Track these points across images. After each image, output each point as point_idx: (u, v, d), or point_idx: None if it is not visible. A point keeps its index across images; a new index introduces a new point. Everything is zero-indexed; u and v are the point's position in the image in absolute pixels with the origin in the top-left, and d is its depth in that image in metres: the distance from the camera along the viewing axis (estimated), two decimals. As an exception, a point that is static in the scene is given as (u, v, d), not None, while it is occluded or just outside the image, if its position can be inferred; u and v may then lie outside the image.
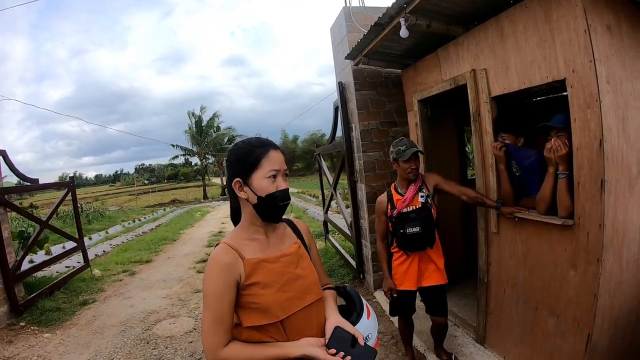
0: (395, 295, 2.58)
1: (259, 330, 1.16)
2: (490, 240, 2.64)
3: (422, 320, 3.03)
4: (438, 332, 2.74)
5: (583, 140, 1.85)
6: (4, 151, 4.72)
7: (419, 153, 2.49)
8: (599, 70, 1.73)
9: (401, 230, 2.46)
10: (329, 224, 6.75)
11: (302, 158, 43.49)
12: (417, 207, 2.46)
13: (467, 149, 5.64)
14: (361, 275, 4.64)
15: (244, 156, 1.19)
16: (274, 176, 1.18)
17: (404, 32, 2.56)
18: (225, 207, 20.90)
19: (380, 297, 4.10)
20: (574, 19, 1.78)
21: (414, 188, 2.49)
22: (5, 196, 4.67)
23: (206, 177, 38.61)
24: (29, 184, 5.33)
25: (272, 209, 1.20)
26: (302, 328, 1.19)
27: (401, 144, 2.50)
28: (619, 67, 1.86)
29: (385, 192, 2.62)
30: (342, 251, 5.67)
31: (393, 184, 2.64)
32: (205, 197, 33.38)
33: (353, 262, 4.89)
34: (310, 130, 42.57)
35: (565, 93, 1.92)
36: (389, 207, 2.54)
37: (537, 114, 2.88)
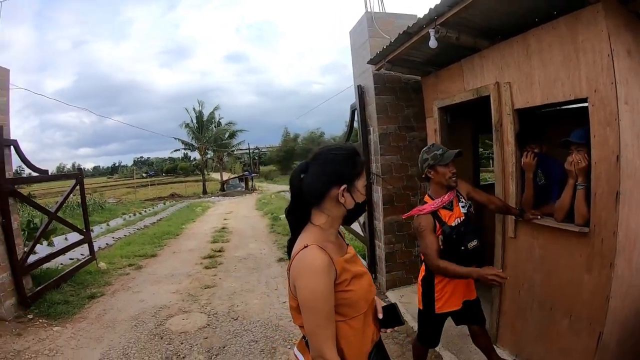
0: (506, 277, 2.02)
1: (344, 323, 1.23)
2: (507, 244, 2.78)
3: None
4: (486, 342, 2.43)
5: (602, 155, 2.00)
6: (15, 141, 4.56)
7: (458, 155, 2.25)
8: (619, 92, 1.89)
9: (462, 248, 2.20)
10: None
11: (301, 156, 43.53)
12: (462, 218, 2.25)
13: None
14: (374, 276, 4.75)
15: (352, 164, 1.26)
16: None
17: (432, 43, 2.67)
18: (226, 203, 20.72)
19: (392, 297, 4.24)
20: (599, 42, 1.93)
21: (455, 198, 2.29)
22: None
23: (205, 172, 38.64)
24: (37, 174, 5.21)
25: (358, 215, 1.33)
26: (372, 316, 1.35)
27: (435, 148, 2.29)
28: (636, 88, 2.02)
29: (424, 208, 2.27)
30: (354, 251, 5.77)
31: (427, 196, 2.35)
32: (204, 192, 33.33)
33: (365, 263, 5.02)
34: (309, 129, 42.65)
35: (574, 106, 2.05)
36: (437, 222, 2.22)
37: (546, 123, 3.01)
